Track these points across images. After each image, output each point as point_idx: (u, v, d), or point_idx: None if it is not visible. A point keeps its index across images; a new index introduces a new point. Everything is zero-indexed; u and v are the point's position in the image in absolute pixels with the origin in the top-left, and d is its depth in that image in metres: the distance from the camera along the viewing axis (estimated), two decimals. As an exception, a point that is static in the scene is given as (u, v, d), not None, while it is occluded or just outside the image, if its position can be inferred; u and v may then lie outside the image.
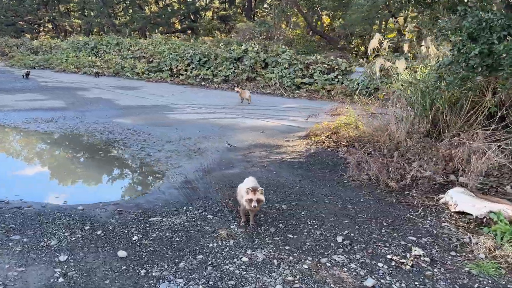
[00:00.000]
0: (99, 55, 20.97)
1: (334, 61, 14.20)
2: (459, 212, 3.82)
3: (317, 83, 13.58)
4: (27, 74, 15.47)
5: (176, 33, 39.44)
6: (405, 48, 6.15)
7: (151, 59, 18.53)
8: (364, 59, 13.56)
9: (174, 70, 17.13)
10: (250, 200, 3.33)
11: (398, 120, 5.75)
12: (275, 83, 14.40)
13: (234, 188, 4.43)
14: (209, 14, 42.86)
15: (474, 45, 4.43)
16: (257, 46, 15.71)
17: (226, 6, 40.91)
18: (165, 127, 7.71)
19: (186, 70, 16.82)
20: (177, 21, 41.02)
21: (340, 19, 31.26)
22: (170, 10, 38.30)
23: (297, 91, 13.82)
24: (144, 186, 4.74)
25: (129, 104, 10.30)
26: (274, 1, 28.48)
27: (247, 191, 3.38)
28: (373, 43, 6.46)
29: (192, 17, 40.03)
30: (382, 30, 27.50)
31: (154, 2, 39.62)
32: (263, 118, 9.14)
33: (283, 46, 15.88)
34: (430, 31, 8.50)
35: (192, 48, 17.73)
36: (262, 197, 3.38)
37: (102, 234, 3.29)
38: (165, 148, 6.16)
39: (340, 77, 13.69)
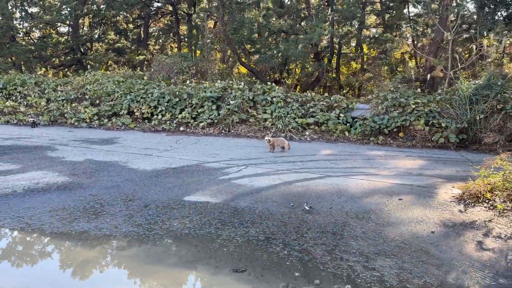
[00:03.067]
0: (14, 98, 16.56)
1: (332, 99, 13.22)
2: None
3: (326, 123, 12.36)
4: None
5: (62, 67, 34.42)
6: None
7: (97, 101, 15.21)
8: (373, 95, 12.84)
9: (137, 113, 14.21)
10: None
11: None
12: (272, 125, 12.78)
13: None
14: (103, 46, 38.77)
15: None
16: (242, 84, 13.92)
17: (118, 37, 37.28)
18: (270, 204, 5.57)
19: (152, 114, 14.09)
20: (62, 54, 35.93)
21: (259, 54, 30.90)
22: (54, 42, 33.17)
23: (305, 133, 12.39)
24: None
25: (155, 168, 7.62)
26: (205, 33, 26.87)
27: None
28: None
29: (81, 49, 35.47)
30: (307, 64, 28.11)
31: (24, 33, 33.77)
32: (343, 174, 7.48)
33: (270, 83, 14.38)
34: None
35: (152, 86, 15.03)
36: None
37: None
38: (354, 250, 4.14)
39: (342, 115, 12.74)
